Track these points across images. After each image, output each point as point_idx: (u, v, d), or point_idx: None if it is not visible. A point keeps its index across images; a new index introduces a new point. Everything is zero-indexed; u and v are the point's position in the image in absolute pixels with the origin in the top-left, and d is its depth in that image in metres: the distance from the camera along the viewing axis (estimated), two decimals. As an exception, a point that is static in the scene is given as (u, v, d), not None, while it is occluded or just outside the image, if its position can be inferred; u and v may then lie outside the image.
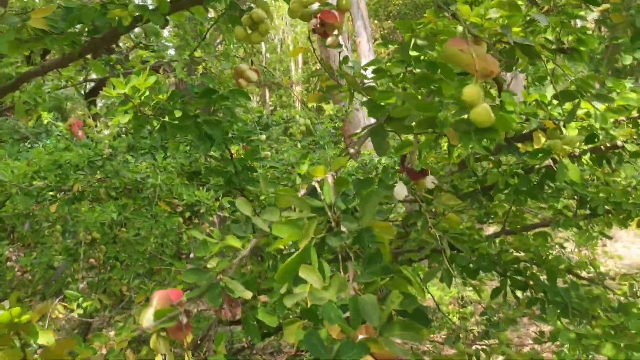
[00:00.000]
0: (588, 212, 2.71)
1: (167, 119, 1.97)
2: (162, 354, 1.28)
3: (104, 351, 1.13)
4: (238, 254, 1.45)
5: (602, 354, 1.95)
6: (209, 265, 1.35)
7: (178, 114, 1.93)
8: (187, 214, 3.37)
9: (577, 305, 2.20)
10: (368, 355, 1.06)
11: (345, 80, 1.90)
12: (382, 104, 1.51)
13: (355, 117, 6.58)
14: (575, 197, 2.69)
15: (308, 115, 4.48)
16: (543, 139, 2.12)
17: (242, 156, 2.53)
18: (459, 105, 1.55)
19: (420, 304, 1.19)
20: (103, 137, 3.59)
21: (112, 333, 1.20)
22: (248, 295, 1.27)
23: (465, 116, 1.37)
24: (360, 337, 1.13)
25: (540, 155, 2.23)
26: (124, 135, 3.87)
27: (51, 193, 3.15)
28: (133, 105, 1.92)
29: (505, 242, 2.69)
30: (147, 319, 1.25)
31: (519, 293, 2.55)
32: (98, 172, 3.17)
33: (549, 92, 2.17)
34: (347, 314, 1.14)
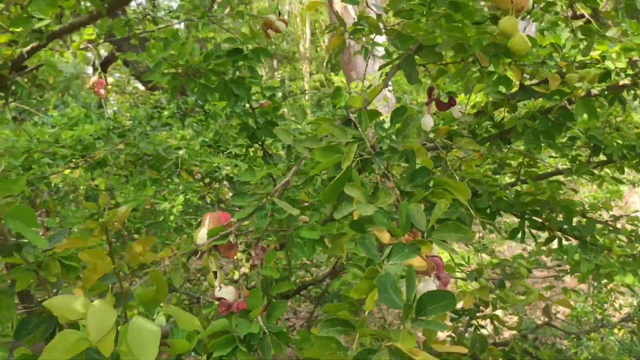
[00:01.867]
0: (602, 159, 2.78)
1: (202, 80, 2.04)
2: (212, 271, 1.36)
3: (167, 262, 1.20)
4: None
5: (620, 281, 2.04)
6: (254, 190, 1.43)
7: (214, 76, 2.02)
8: (207, 180, 3.45)
9: (593, 241, 2.29)
10: (417, 256, 1.14)
11: (367, 22, 1.96)
12: (410, 35, 1.57)
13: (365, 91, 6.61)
14: (590, 144, 2.76)
15: (321, 72, 4.54)
16: (558, 81, 2.19)
17: (263, 110, 2.59)
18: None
19: (461, 213, 1.26)
20: (120, 106, 3.66)
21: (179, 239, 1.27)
22: (295, 212, 1.34)
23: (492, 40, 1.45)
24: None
25: (555, 97, 2.30)
26: (140, 106, 3.94)
27: (74, 160, 3.23)
28: (169, 66, 2.00)
29: (520, 189, 2.76)
30: (200, 237, 1.33)
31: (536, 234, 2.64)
32: (118, 140, 3.25)
33: (564, 35, 2.23)
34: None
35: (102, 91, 2.58)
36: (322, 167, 1.38)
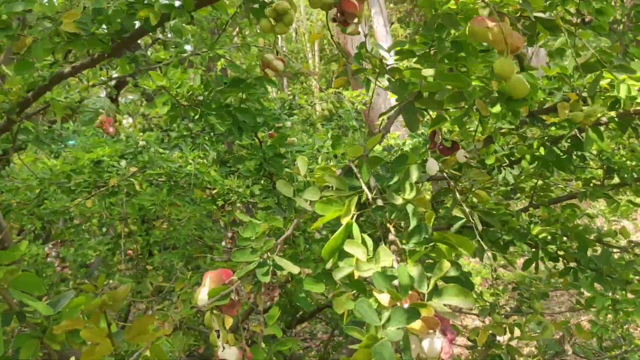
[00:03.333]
0: (616, 181, 2.73)
1: (203, 108, 2.04)
2: (215, 330, 1.35)
3: (166, 326, 1.20)
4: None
5: (637, 318, 2.00)
6: (255, 245, 1.42)
7: (215, 104, 2.01)
8: (220, 202, 3.46)
9: (609, 272, 2.24)
10: (418, 320, 1.12)
11: (370, 62, 1.95)
12: (410, 82, 1.56)
13: (375, 102, 6.59)
14: (603, 167, 2.71)
15: (330, 99, 4.54)
16: (567, 111, 2.15)
17: (271, 143, 2.60)
18: (485, 80, 1.61)
19: (464, 270, 1.24)
20: (133, 132, 3.69)
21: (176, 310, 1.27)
22: (296, 270, 1.33)
23: (493, 87, 1.43)
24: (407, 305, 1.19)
25: (565, 126, 2.26)
26: (150, 131, 3.98)
27: (87, 189, 3.25)
28: (170, 97, 2.00)
29: (533, 215, 2.72)
30: (200, 298, 1.33)
31: (550, 264, 2.59)
32: (133, 164, 3.27)
33: (571, 65, 2.20)
34: (394, 282, 1.20)
35: (111, 129, 2.60)
36: (322, 222, 1.37)
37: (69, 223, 3.65)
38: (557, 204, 2.88)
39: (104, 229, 3.67)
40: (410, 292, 1.19)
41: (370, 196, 1.41)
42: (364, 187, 1.42)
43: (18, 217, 2.96)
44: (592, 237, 2.54)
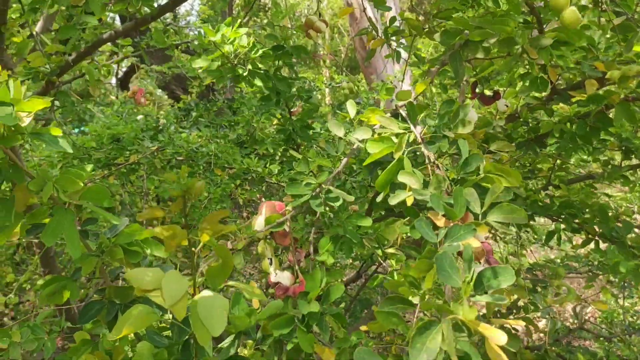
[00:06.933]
0: (634, 162, 2.78)
1: (250, 66, 2.09)
2: (268, 258, 1.41)
3: (229, 245, 1.25)
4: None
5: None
6: (308, 180, 1.47)
7: (261, 64, 2.08)
8: (238, 181, 3.50)
9: (631, 242, 2.30)
10: (473, 237, 1.17)
11: (408, 24, 2.02)
12: (457, 31, 1.62)
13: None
14: (621, 148, 2.76)
15: (351, 80, 4.61)
16: (595, 86, 2.21)
17: (300, 115, 2.65)
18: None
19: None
20: (150, 110, 3.74)
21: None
22: (351, 198, 1.38)
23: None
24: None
25: (592, 102, 2.31)
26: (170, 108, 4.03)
27: (108, 166, 3.29)
28: (221, 54, 2.06)
29: (553, 193, 2.77)
30: (258, 224, 1.38)
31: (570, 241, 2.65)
32: (152, 142, 3.31)
33: (597, 35, 2.26)
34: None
35: (142, 99, 2.65)
36: (374, 157, 1.43)
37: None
38: (575, 184, 2.94)
39: (122, 206, 3.70)
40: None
41: (419, 135, 1.46)
42: (412, 128, 1.48)
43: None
44: (610, 214, 2.60)
